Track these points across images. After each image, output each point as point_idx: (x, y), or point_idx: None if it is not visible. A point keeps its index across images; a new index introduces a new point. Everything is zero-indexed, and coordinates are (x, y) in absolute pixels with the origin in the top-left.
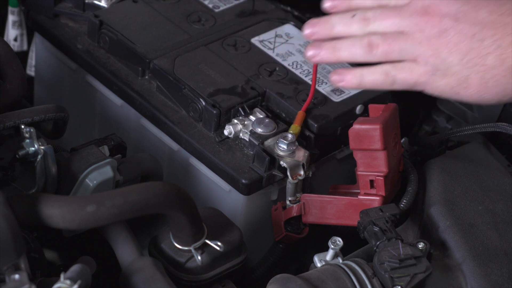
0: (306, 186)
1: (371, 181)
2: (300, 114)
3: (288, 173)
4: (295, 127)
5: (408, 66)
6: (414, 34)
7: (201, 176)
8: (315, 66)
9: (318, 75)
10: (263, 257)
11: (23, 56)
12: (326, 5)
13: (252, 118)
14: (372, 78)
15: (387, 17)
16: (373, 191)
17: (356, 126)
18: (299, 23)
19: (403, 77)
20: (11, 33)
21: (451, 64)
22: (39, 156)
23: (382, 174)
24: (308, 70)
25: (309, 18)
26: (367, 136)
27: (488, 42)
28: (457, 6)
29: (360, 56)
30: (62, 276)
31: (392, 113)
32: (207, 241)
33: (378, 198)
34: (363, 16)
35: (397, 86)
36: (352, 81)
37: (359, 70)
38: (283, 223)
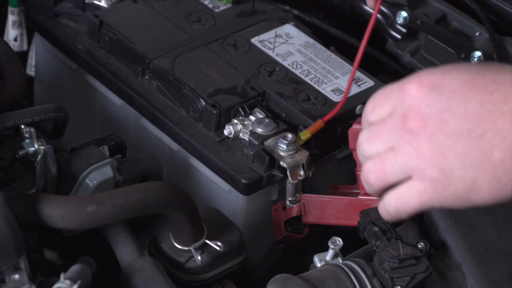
0: (306, 186)
1: None
2: (319, 123)
3: (288, 173)
4: (305, 133)
5: (406, 189)
6: (403, 149)
7: (201, 176)
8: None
9: (318, 75)
10: (263, 257)
11: (23, 56)
12: None
13: (252, 118)
14: (384, 216)
15: (374, 138)
16: None
17: (355, 126)
18: (299, 23)
19: (404, 204)
20: (11, 33)
21: (450, 170)
22: (39, 156)
23: None
24: (308, 70)
25: (309, 18)
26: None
27: (489, 136)
28: (439, 104)
29: (372, 191)
30: (62, 276)
31: None
32: (207, 241)
33: (378, 198)
34: (359, 141)
35: (405, 215)
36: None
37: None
38: (283, 223)
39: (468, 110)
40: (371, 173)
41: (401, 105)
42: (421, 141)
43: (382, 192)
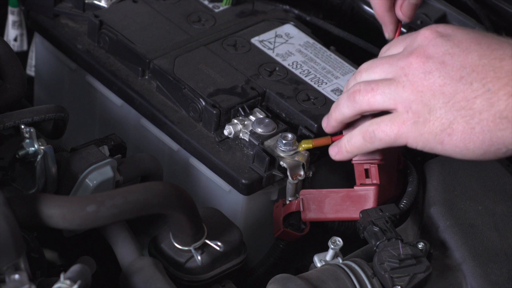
0: (306, 186)
1: (366, 170)
2: (326, 140)
3: (288, 173)
4: (308, 143)
5: (388, 118)
6: (399, 79)
7: (201, 176)
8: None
9: (318, 75)
10: (263, 257)
11: (23, 56)
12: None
13: (252, 118)
14: (353, 142)
15: (376, 66)
16: (368, 181)
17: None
18: (299, 23)
19: (382, 131)
20: (11, 33)
21: (434, 107)
22: (39, 156)
23: (375, 161)
24: (308, 70)
25: (309, 18)
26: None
27: (476, 85)
28: (444, 48)
29: (347, 111)
30: (62, 276)
31: None
32: (207, 241)
33: (373, 187)
34: (358, 70)
35: (378, 144)
36: (339, 155)
37: (340, 141)
38: (282, 219)
39: (466, 59)
40: (359, 92)
41: (411, 44)
42: (417, 75)
43: (352, 120)
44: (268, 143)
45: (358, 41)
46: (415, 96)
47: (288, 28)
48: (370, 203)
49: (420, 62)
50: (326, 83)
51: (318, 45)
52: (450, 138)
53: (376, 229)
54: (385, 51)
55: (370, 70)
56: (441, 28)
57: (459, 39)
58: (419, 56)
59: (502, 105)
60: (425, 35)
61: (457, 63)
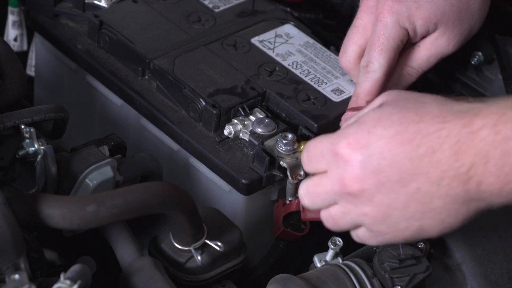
0: None
1: None
2: None
3: (288, 173)
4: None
5: (362, 232)
6: (348, 209)
7: (201, 176)
8: None
9: (318, 75)
10: (263, 257)
11: (23, 56)
12: None
13: (252, 118)
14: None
15: (314, 198)
16: None
17: (348, 112)
18: (299, 23)
19: (364, 240)
20: (11, 33)
21: (396, 223)
22: (39, 156)
23: None
24: (308, 70)
25: (309, 18)
26: None
27: (425, 188)
28: (372, 166)
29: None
30: (62, 276)
31: None
32: (207, 241)
33: None
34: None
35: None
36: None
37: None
38: (282, 218)
39: (400, 168)
40: (327, 223)
41: (335, 167)
42: (363, 203)
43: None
44: (268, 143)
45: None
46: (371, 221)
47: (288, 28)
48: None
49: (357, 190)
50: (326, 83)
51: (318, 45)
52: (428, 235)
53: None
54: (307, 163)
55: (312, 201)
56: (353, 140)
57: (379, 150)
58: (353, 184)
59: (461, 194)
60: (344, 158)
61: (393, 177)
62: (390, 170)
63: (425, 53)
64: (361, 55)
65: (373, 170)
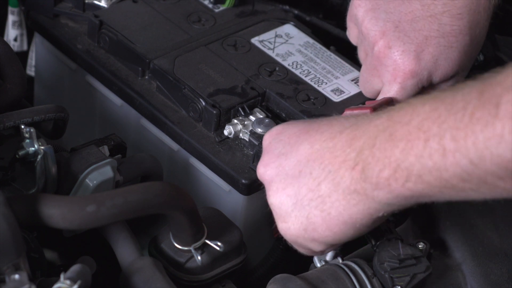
0: None
1: None
2: None
3: None
4: None
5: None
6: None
7: (201, 176)
8: None
9: (318, 75)
10: (263, 258)
11: (23, 56)
12: None
13: (252, 118)
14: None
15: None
16: None
17: (347, 112)
18: (299, 23)
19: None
20: (11, 33)
21: (287, 213)
22: (39, 156)
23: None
24: (308, 70)
25: (309, 18)
26: None
27: (316, 173)
28: (278, 150)
29: None
30: (62, 276)
31: (386, 103)
32: (207, 241)
33: None
34: None
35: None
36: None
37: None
38: None
39: (299, 152)
40: None
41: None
42: (267, 187)
43: None
44: None
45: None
46: (272, 206)
47: (288, 28)
48: None
49: (262, 173)
50: (326, 83)
51: (318, 45)
52: (317, 232)
53: (376, 229)
54: None
55: None
56: (274, 129)
57: (289, 135)
58: (260, 167)
59: (347, 181)
60: (264, 142)
61: (292, 160)
62: (291, 155)
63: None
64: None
65: (277, 153)
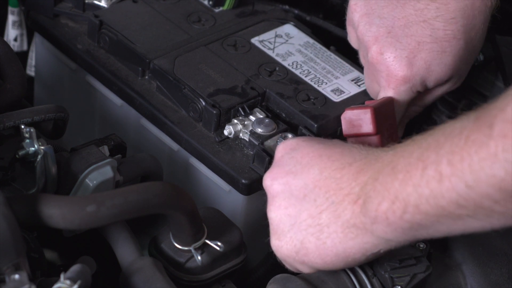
0: None
1: None
2: None
3: None
4: None
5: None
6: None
7: (201, 176)
8: None
9: (318, 75)
10: (263, 258)
11: (23, 56)
12: None
13: (252, 118)
14: None
15: None
16: None
17: (348, 111)
18: (299, 23)
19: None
20: (11, 33)
21: (283, 231)
22: (39, 156)
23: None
24: (308, 70)
25: (309, 18)
26: (359, 120)
27: (320, 200)
28: (288, 167)
29: None
30: (62, 276)
31: (385, 103)
32: (207, 241)
33: None
34: None
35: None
36: None
37: None
38: None
39: (308, 175)
40: None
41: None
42: (269, 200)
43: None
44: (268, 143)
45: None
46: (271, 223)
47: (288, 28)
48: None
49: (268, 186)
50: (326, 83)
51: (318, 45)
52: (308, 257)
53: None
54: None
55: None
56: (289, 142)
57: (302, 154)
58: (266, 179)
59: (347, 215)
60: (277, 155)
61: (300, 182)
62: (300, 175)
63: (432, 97)
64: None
65: (286, 171)
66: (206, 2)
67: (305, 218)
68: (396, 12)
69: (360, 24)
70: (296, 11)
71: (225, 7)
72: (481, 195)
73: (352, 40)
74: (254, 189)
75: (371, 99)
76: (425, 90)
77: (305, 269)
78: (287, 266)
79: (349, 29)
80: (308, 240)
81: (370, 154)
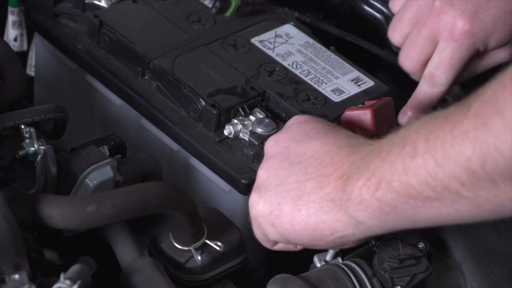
0: None
1: None
2: None
3: None
4: None
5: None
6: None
7: (201, 176)
8: None
9: (318, 75)
10: (263, 258)
11: (23, 56)
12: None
13: (252, 118)
14: None
15: None
16: None
17: (347, 112)
18: (299, 23)
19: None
20: (11, 33)
21: (266, 189)
22: (39, 156)
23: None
24: (308, 70)
25: (309, 18)
26: (358, 121)
27: (311, 169)
28: (293, 134)
29: None
30: (62, 276)
31: (385, 104)
32: (207, 241)
33: None
34: None
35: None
36: None
37: None
38: None
39: (309, 146)
40: None
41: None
42: (264, 159)
43: None
44: None
45: (360, 42)
46: (258, 178)
47: (288, 28)
48: None
49: (271, 144)
50: (326, 83)
51: (318, 45)
52: (279, 219)
53: None
54: None
55: None
56: (304, 117)
57: (311, 127)
58: (272, 139)
59: (330, 188)
60: (291, 121)
61: (299, 149)
62: (301, 144)
63: (485, 64)
64: (426, 62)
65: (291, 136)
66: (206, 2)
67: (291, 181)
68: None
69: None
70: (296, 13)
71: (228, 14)
72: (449, 175)
73: (396, 3)
74: None
75: (371, 99)
76: (484, 51)
77: (272, 234)
78: (255, 228)
79: None
80: (285, 202)
81: (372, 141)
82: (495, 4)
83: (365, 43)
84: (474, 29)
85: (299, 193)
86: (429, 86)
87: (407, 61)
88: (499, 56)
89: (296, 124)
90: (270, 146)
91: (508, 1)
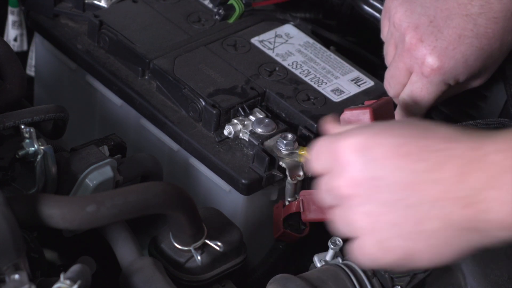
0: (306, 187)
1: None
2: None
3: (288, 174)
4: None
5: (355, 245)
6: (341, 213)
7: (201, 176)
8: None
9: (318, 75)
10: (263, 258)
11: (23, 56)
12: None
13: (252, 118)
14: None
15: (321, 193)
16: None
17: (346, 112)
18: (299, 24)
19: (361, 256)
20: (11, 33)
21: (385, 239)
22: (39, 156)
23: None
24: (308, 70)
25: (309, 19)
26: (357, 120)
27: (419, 207)
28: (371, 171)
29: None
30: (62, 276)
31: (384, 103)
32: (207, 241)
33: None
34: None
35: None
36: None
37: None
38: (282, 220)
39: (399, 180)
40: (336, 222)
41: (336, 166)
42: (355, 210)
43: None
44: (268, 143)
45: (359, 51)
46: (361, 233)
47: (288, 28)
48: None
49: (352, 195)
50: (326, 83)
51: (318, 45)
52: (420, 261)
53: None
54: (314, 160)
55: (322, 196)
56: (357, 142)
57: (382, 155)
58: (348, 187)
59: (459, 218)
60: (344, 158)
61: (390, 187)
62: (388, 180)
63: (456, 92)
64: (403, 88)
65: (371, 176)
66: (206, 2)
67: (407, 226)
68: (438, 3)
69: (400, 11)
70: (295, 12)
71: (231, 20)
72: None
73: (384, 29)
74: (254, 189)
75: (371, 99)
76: (455, 84)
77: (408, 268)
78: (370, 263)
79: (384, 22)
80: (418, 247)
81: (467, 150)
82: (466, 41)
83: (364, 52)
84: (445, 67)
85: (424, 235)
86: (404, 113)
87: (389, 87)
88: (472, 84)
89: (358, 156)
90: (352, 197)
91: (480, 38)
